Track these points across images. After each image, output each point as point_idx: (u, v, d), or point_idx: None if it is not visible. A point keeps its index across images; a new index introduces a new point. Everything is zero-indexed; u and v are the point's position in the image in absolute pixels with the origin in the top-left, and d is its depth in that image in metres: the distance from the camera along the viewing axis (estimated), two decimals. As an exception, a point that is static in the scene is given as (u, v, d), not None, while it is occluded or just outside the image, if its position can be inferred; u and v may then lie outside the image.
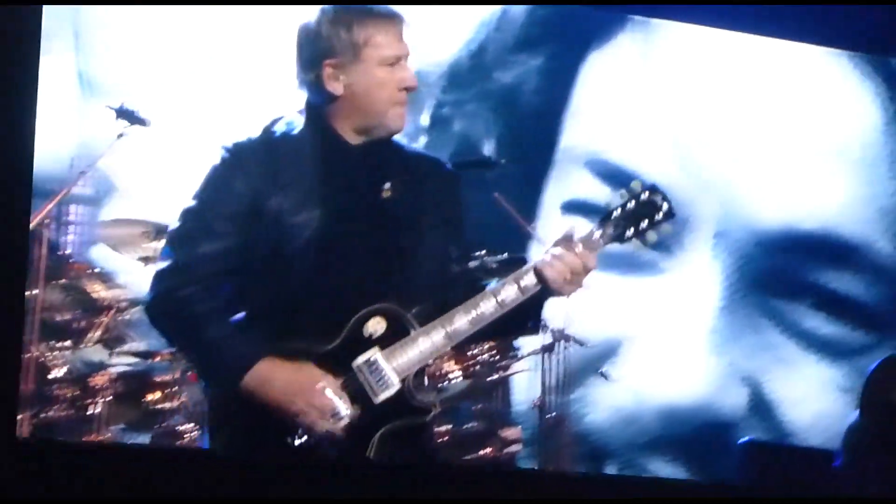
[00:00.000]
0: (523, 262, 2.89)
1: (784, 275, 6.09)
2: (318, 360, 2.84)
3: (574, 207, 5.89)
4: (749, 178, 6.09)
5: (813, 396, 6.00)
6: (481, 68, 5.92)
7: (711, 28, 5.97)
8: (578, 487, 2.84)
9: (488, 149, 5.84)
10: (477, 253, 5.05)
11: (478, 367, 5.01)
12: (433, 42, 5.90)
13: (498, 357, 5.06)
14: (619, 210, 3.03)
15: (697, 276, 6.07)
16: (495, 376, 5.03)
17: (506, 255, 5.11)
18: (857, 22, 5.58)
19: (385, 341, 2.85)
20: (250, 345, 2.85)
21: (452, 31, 5.95)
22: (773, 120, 6.24)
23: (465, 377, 5.03)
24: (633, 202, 3.03)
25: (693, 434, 5.87)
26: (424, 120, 6.02)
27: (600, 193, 5.85)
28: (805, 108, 6.24)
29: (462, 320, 2.87)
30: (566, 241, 2.95)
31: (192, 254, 2.88)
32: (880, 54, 5.96)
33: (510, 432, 5.07)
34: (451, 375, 5.00)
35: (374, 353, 2.83)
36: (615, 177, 5.87)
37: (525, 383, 5.59)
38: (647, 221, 3.02)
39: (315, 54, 2.96)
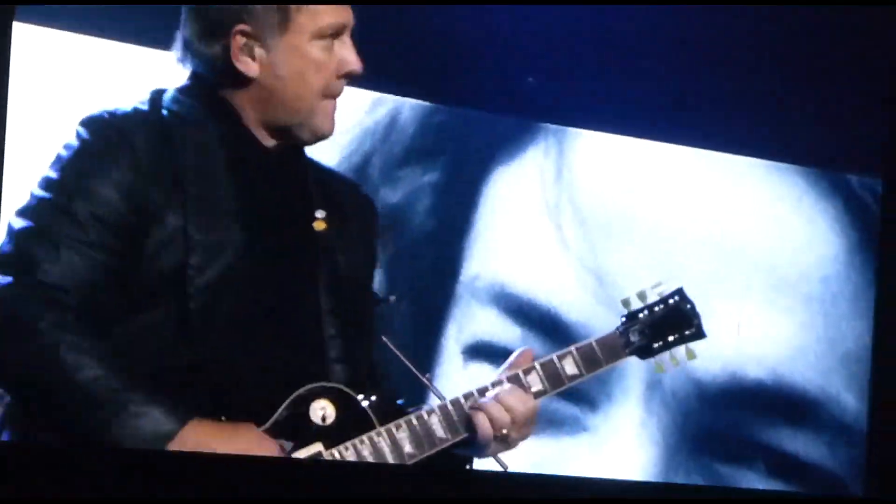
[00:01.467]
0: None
1: (731, 434, 5.97)
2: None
3: (478, 351, 5.82)
4: (686, 315, 6.18)
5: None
6: (365, 185, 5.97)
7: (640, 140, 5.88)
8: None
9: (375, 283, 5.85)
10: None
11: None
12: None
13: None
14: (647, 312, 2.75)
15: (627, 437, 5.95)
16: None
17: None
18: (805, 134, 5.72)
19: (330, 437, 2.57)
20: (168, 403, 2.43)
21: (329, 141, 5.95)
22: (714, 245, 6.14)
23: None
24: (662, 305, 2.76)
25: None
26: None
27: (509, 334, 5.84)
28: (751, 232, 6.24)
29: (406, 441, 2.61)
30: (521, 366, 2.65)
31: (53, 269, 2.41)
32: (837, 170, 6.06)
33: None
34: None
35: (318, 449, 2.54)
36: (526, 314, 5.79)
37: None
38: (676, 334, 2.76)
39: (222, 16, 2.50)
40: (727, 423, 6.03)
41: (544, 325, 5.85)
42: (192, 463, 2.31)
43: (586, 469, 5.93)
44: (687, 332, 2.79)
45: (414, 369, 5.29)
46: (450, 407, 2.64)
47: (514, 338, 5.84)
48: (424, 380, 5.36)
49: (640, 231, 6.06)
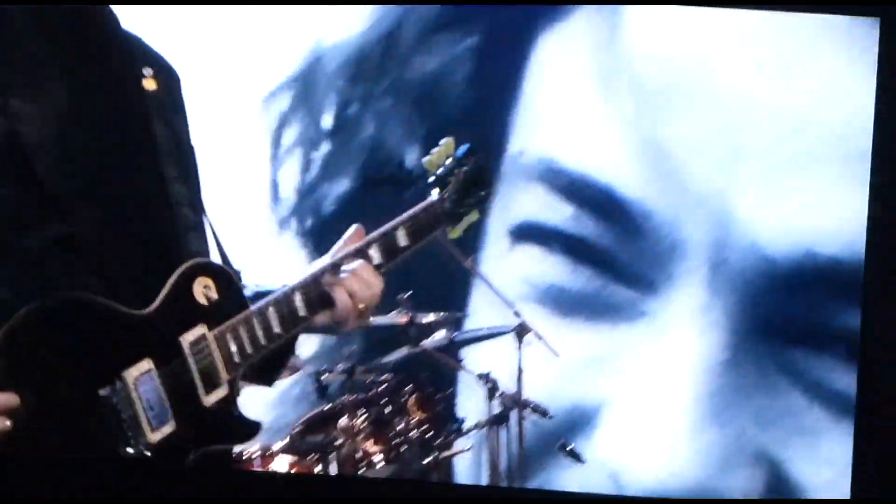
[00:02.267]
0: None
1: (805, 317, 5.80)
2: (126, 329, 2.50)
3: (526, 233, 5.80)
4: (752, 189, 5.79)
5: (849, 477, 5.86)
6: (398, 52, 5.78)
7: (692, 7, 5.73)
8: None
9: (410, 159, 5.82)
10: (399, 296, 4.95)
11: (404, 447, 4.99)
12: (333, 18, 5.79)
13: (432, 433, 5.04)
14: (454, 176, 2.81)
15: (690, 321, 5.86)
16: (429, 459, 5.01)
17: (442, 314, 5.06)
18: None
19: (213, 317, 2.58)
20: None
21: (359, 4, 5.80)
22: (780, 114, 6.04)
23: (388, 462, 5.00)
24: (466, 168, 2.83)
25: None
26: (326, 122, 5.93)
27: (559, 214, 5.77)
28: (821, 101, 5.97)
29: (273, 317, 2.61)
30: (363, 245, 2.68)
31: None
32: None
33: None
34: (369, 460, 4.98)
35: (203, 332, 2.56)
36: (578, 191, 5.72)
37: (469, 467, 5.60)
38: (473, 198, 2.82)
39: None
40: (802, 305, 5.95)
41: (598, 202, 5.73)
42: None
43: (644, 358, 5.86)
44: (482, 193, 2.81)
45: (457, 253, 5.38)
46: (310, 284, 2.66)
47: (565, 217, 5.73)
48: (467, 264, 5.44)
49: (702, 100, 5.84)
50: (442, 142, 2.84)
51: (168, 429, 2.54)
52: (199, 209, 2.73)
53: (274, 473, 4.63)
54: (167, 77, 2.70)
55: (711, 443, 5.84)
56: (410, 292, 5.06)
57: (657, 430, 5.89)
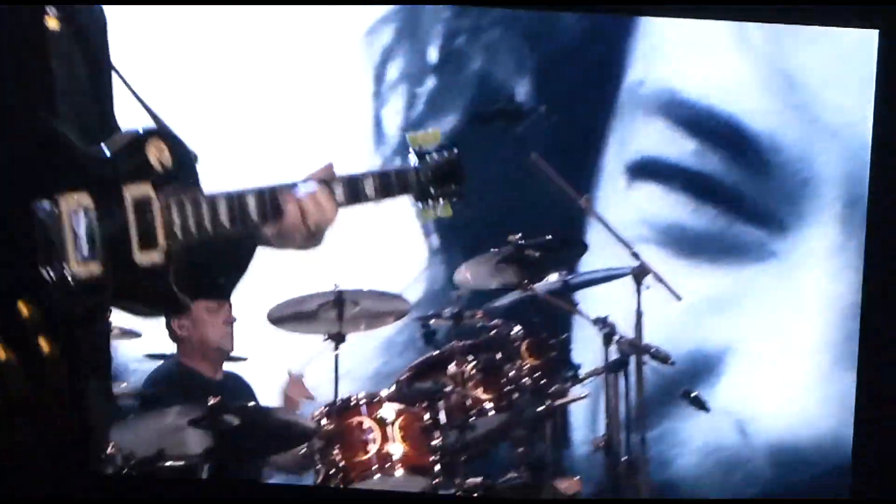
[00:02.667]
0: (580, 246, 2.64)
1: None
2: (73, 160, 2.65)
3: (645, 170, 5.77)
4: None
5: None
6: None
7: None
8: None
9: (521, 92, 5.77)
10: (511, 237, 4.90)
11: (517, 394, 4.94)
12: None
13: (545, 380, 4.98)
14: (435, 157, 2.91)
15: (823, 262, 5.82)
16: (542, 407, 4.96)
17: (548, 237, 5.00)
18: None
19: (160, 181, 2.70)
20: None
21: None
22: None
23: (498, 410, 4.95)
24: (446, 155, 2.91)
25: (821, 483, 5.73)
26: (432, 55, 5.91)
27: (681, 149, 5.73)
28: None
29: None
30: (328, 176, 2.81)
31: None
32: None
33: (566, 485, 5.03)
34: (480, 407, 4.94)
35: (149, 192, 2.68)
36: (702, 124, 5.66)
37: (585, 416, 5.60)
38: (446, 187, 2.91)
39: None
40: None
41: (723, 136, 5.64)
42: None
43: (772, 301, 5.80)
44: (454, 188, 2.92)
45: (570, 191, 5.35)
46: (265, 194, 2.80)
47: (687, 152, 5.64)
48: (582, 203, 5.39)
49: (834, 28, 5.83)
50: (430, 129, 2.94)
51: (94, 268, 2.62)
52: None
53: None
54: (81, 17, 2.79)
55: (846, 391, 5.75)
56: (520, 235, 5.00)
57: (786, 376, 5.82)
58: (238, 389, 5.41)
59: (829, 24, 5.50)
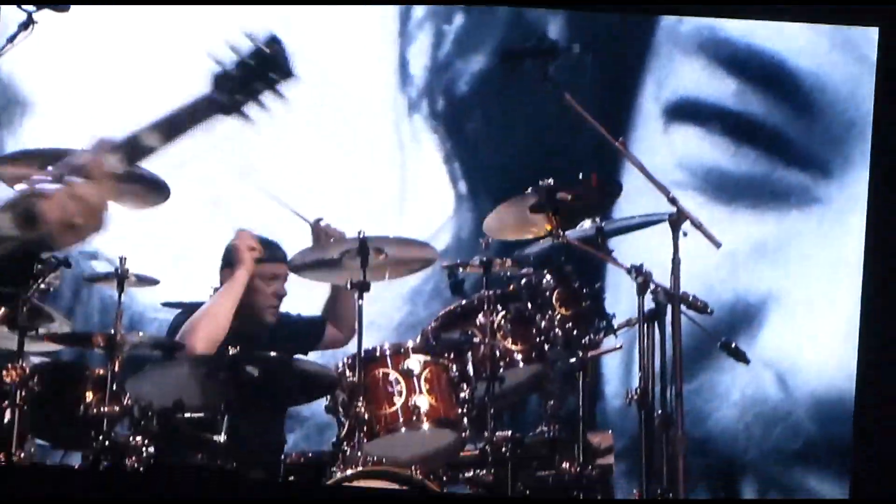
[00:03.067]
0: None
1: None
2: None
3: (683, 111, 5.73)
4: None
5: None
6: None
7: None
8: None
9: (553, 30, 5.75)
10: (542, 182, 4.83)
11: (548, 346, 4.94)
12: None
13: (577, 331, 4.97)
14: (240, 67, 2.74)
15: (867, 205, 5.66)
16: (574, 359, 4.95)
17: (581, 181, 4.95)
18: None
19: None
20: None
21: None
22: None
23: (528, 361, 4.95)
24: (255, 53, 2.75)
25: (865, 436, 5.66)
26: None
27: (722, 89, 5.64)
28: None
29: None
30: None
31: None
32: None
33: (598, 439, 5.05)
34: (509, 359, 4.93)
35: None
36: (743, 63, 5.62)
37: (618, 368, 5.61)
38: (264, 80, 2.74)
39: None
40: None
41: (765, 75, 5.57)
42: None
43: (815, 248, 5.77)
44: (274, 76, 2.74)
45: (605, 133, 5.29)
46: (14, 204, 2.74)
47: (728, 93, 5.58)
48: (618, 144, 5.35)
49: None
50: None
51: None
52: None
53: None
54: None
55: (891, 340, 5.72)
56: (552, 180, 4.95)
57: (828, 326, 5.78)
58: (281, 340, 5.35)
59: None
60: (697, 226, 4.92)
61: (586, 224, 5.10)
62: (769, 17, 5.57)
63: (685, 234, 4.89)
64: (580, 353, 4.96)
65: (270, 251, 5.32)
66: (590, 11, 5.70)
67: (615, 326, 5.05)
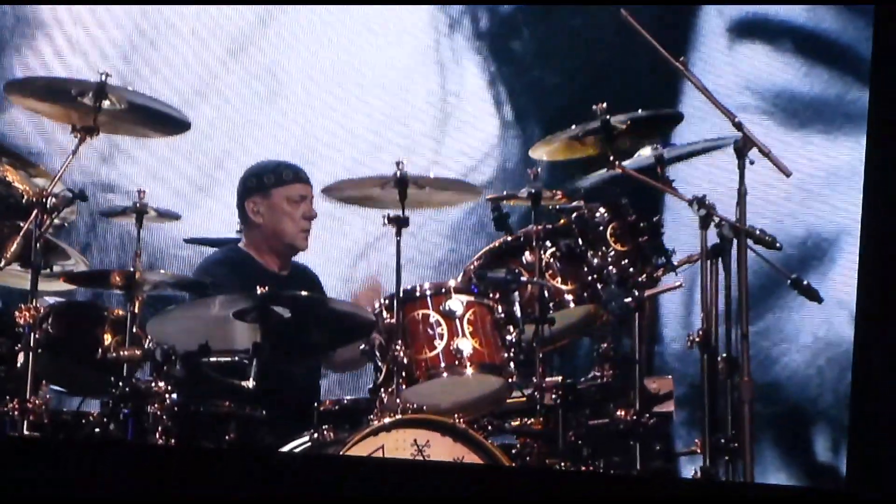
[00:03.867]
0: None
1: None
2: None
3: (749, 28, 5.67)
4: None
5: None
6: None
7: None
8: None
9: None
10: (596, 106, 4.82)
11: (601, 285, 4.96)
12: None
13: (633, 269, 4.98)
14: None
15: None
16: (630, 299, 4.96)
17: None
18: None
19: None
20: None
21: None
22: None
23: (580, 302, 4.97)
24: None
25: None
26: None
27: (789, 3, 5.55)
28: None
29: None
30: None
31: None
32: None
33: (656, 385, 5.08)
34: (560, 299, 4.95)
35: None
36: None
37: (678, 308, 5.60)
38: None
39: None
40: None
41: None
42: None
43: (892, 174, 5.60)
44: None
45: (664, 51, 5.23)
46: None
47: (797, 7, 5.53)
48: (678, 64, 5.29)
49: None
50: None
51: None
52: None
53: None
54: None
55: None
56: (606, 104, 4.90)
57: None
58: (306, 285, 5.36)
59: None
60: (765, 153, 4.86)
61: (645, 152, 5.04)
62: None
63: (752, 163, 4.85)
64: (636, 293, 4.98)
65: (293, 172, 5.38)
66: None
67: (675, 263, 5.05)
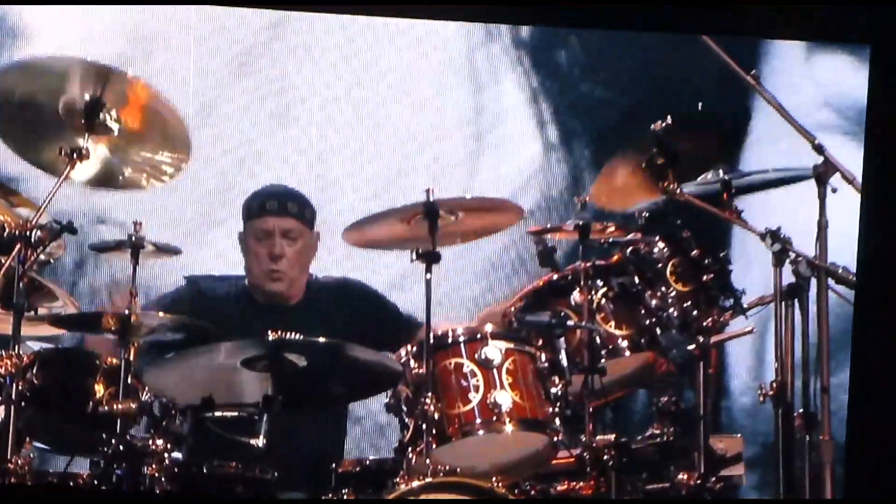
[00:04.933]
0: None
1: None
2: None
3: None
4: None
5: None
6: None
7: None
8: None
9: None
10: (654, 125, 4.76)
11: (660, 330, 4.96)
12: None
13: (697, 312, 4.95)
14: None
15: None
16: (693, 346, 4.95)
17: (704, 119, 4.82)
18: None
19: None
20: None
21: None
22: None
23: (636, 349, 4.94)
24: None
25: None
26: None
27: None
28: None
29: None
30: None
31: None
32: None
33: (723, 445, 5.06)
34: (613, 346, 4.92)
35: None
36: None
37: (748, 357, 5.53)
38: None
39: None
40: None
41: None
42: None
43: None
44: None
45: (733, 64, 4.85)
46: None
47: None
48: (749, 78, 4.93)
49: None
50: None
51: None
52: None
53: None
54: None
55: None
56: (669, 121, 4.79)
57: None
58: (319, 313, 5.34)
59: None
60: (850, 180, 4.81)
61: (710, 176, 5.00)
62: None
63: (834, 190, 4.83)
64: (700, 339, 4.98)
65: (260, 202, 5.33)
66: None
67: (745, 305, 5.02)
